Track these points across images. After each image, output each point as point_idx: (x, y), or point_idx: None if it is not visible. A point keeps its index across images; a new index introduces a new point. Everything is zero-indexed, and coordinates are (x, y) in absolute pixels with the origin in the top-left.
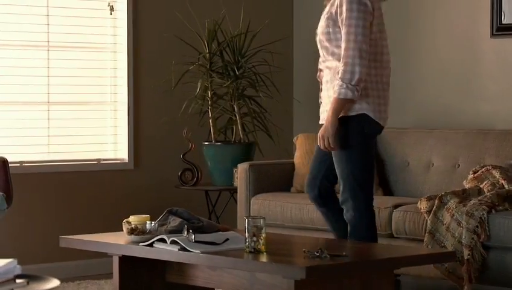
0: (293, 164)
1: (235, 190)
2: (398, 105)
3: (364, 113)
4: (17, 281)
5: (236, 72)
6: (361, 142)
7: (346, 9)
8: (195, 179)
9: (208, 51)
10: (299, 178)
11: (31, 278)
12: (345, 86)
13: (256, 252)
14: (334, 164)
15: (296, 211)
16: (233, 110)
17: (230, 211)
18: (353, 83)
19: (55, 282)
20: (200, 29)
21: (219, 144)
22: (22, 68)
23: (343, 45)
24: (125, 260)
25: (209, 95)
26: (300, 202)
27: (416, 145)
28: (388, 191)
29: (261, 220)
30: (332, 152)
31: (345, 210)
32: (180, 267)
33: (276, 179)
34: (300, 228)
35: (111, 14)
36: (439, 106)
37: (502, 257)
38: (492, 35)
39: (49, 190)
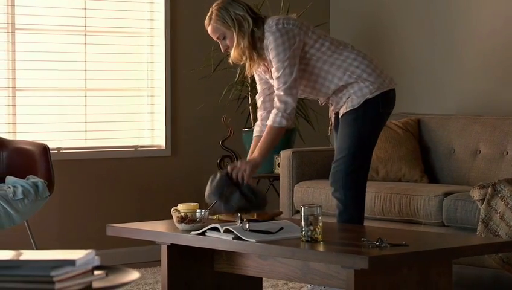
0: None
1: (275, 177)
2: (440, 92)
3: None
4: (96, 272)
5: None
6: None
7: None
8: None
9: None
10: None
11: (109, 269)
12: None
13: (312, 241)
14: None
15: None
16: None
17: (270, 198)
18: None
19: (135, 274)
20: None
21: None
22: (59, 53)
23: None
24: (173, 249)
25: (249, 81)
26: None
27: (462, 132)
28: (433, 179)
29: (318, 208)
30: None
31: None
32: (229, 257)
33: (319, 166)
34: None
35: None
36: (481, 93)
37: None
38: None
39: (87, 177)
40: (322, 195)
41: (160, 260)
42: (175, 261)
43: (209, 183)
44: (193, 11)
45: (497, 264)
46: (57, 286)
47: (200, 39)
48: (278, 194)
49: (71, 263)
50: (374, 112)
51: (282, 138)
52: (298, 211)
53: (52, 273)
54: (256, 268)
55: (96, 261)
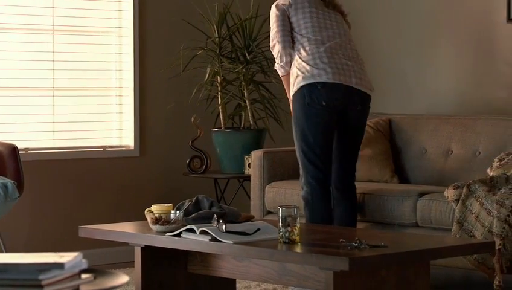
0: None
1: (245, 178)
2: (411, 92)
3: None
4: (83, 276)
5: (247, 57)
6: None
7: None
8: (204, 166)
9: (217, 35)
10: None
11: (97, 272)
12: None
13: (290, 242)
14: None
15: None
16: (243, 96)
17: (239, 199)
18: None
19: (124, 278)
20: (209, 12)
21: (229, 130)
22: (27, 53)
23: None
24: (147, 250)
25: (219, 81)
26: None
27: (434, 132)
28: (404, 179)
29: (295, 209)
30: None
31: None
32: (203, 258)
33: (290, 167)
34: None
35: None
36: (453, 93)
37: None
38: (509, 20)
39: (55, 178)
40: (294, 195)
41: (132, 261)
42: (148, 262)
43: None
44: (162, 10)
45: (473, 264)
46: (46, 289)
47: (169, 38)
48: (248, 195)
49: (60, 266)
50: (299, 104)
51: (252, 138)
52: (270, 212)
53: (41, 276)
54: (231, 270)
55: (84, 265)
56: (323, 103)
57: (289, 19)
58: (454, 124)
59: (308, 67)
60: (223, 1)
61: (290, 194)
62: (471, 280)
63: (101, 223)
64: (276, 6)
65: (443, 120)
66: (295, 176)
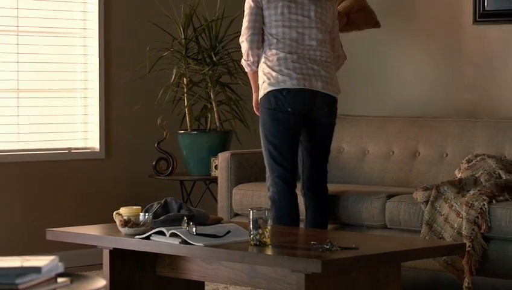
0: None
1: (211, 180)
2: (378, 94)
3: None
4: (59, 280)
5: (213, 58)
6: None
7: None
8: (170, 168)
9: (183, 37)
10: None
11: (73, 276)
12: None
13: (261, 245)
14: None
15: None
16: (209, 97)
17: (206, 201)
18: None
19: (100, 281)
20: (175, 14)
21: (195, 132)
22: None
23: None
24: (115, 253)
25: (185, 82)
26: None
27: (401, 134)
28: (372, 181)
29: (266, 211)
30: None
31: None
32: (172, 261)
33: (258, 169)
34: None
35: None
36: (420, 94)
37: (503, 248)
38: (475, 22)
39: (20, 180)
40: (261, 197)
41: (99, 264)
42: (117, 265)
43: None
44: (127, 11)
45: (442, 266)
46: None
47: (135, 40)
48: (214, 198)
49: (36, 270)
50: (265, 108)
51: (218, 140)
52: (237, 214)
53: (17, 281)
54: (201, 272)
55: (60, 268)
56: (289, 109)
57: (262, 11)
58: (421, 125)
59: (273, 74)
60: (189, 2)
61: (258, 196)
62: (439, 281)
63: (67, 225)
64: None
65: (410, 122)
66: (262, 178)
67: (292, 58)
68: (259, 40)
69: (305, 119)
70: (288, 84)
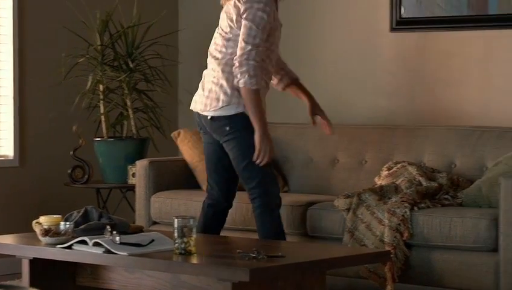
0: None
1: (128, 188)
2: (296, 101)
3: None
4: None
5: (130, 65)
6: None
7: None
8: (86, 176)
9: (99, 43)
10: (203, 174)
11: (5, 288)
12: None
13: (186, 253)
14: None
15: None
16: (126, 104)
17: (123, 210)
18: None
19: None
20: (91, 20)
21: (111, 139)
22: None
23: None
24: (34, 263)
25: (101, 89)
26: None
27: (319, 141)
28: (291, 188)
29: (191, 220)
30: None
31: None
32: (93, 270)
33: (176, 176)
34: None
35: None
36: (337, 102)
37: (425, 255)
38: (392, 29)
39: None
40: (180, 205)
41: (16, 273)
42: (37, 274)
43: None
44: (42, 17)
45: (364, 274)
46: None
47: (50, 46)
48: (131, 206)
49: None
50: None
51: (135, 147)
52: (155, 222)
53: None
54: (123, 282)
55: None
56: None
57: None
58: (340, 133)
59: None
60: (105, 8)
61: (177, 204)
62: (361, 288)
63: None
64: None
65: None
66: (181, 186)
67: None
68: None
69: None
70: (193, 107)
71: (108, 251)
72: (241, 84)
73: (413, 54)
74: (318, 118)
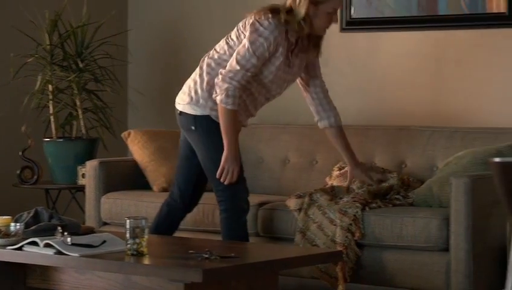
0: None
1: (78, 188)
2: None
3: None
4: None
5: (80, 65)
6: None
7: None
8: (35, 177)
9: (48, 43)
10: (153, 174)
11: None
12: None
13: (138, 254)
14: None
15: (152, 210)
16: (75, 105)
17: (72, 211)
18: None
19: None
20: (40, 19)
21: (60, 140)
22: None
23: None
24: None
25: (50, 89)
26: (156, 200)
27: (270, 141)
28: None
29: (143, 220)
30: None
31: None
32: (43, 271)
33: (126, 177)
34: None
35: None
36: (288, 102)
37: (377, 255)
38: (342, 29)
39: None
40: (130, 206)
41: None
42: None
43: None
44: None
45: (316, 274)
46: None
47: None
48: (80, 207)
49: None
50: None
51: (85, 148)
52: (105, 223)
53: None
54: (73, 283)
55: None
56: None
57: None
58: (291, 133)
59: None
60: (55, 8)
61: (127, 205)
62: (311, 288)
63: None
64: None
65: (279, 129)
66: (131, 186)
67: None
68: None
69: None
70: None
71: (59, 252)
72: (217, 100)
73: (363, 54)
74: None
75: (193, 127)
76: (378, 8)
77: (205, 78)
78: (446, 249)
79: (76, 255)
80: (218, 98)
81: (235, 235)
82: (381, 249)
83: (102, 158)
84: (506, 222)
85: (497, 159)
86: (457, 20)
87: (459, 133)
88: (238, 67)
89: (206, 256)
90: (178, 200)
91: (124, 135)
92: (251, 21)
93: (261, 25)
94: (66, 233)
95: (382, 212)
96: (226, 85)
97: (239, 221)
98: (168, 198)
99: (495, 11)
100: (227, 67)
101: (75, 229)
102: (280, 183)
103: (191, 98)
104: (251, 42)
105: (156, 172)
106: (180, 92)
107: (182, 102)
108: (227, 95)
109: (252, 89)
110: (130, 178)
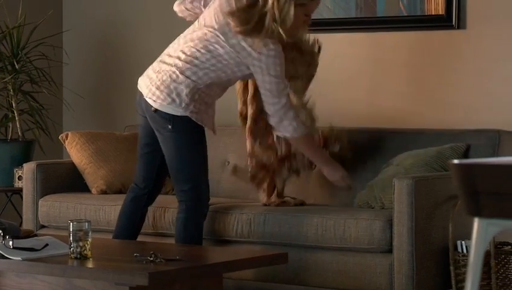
0: (72, 164)
1: (14, 191)
2: None
3: None
4: None
5: (15, 66)
6: None
7: None
8: None
9: None
10: (92, 177)
11: None
12: None
13: (82, 257)
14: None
15: (92, 213)
16: (11, 106)
17: (8, 214)
18: None
19: None
20: None
21: None
22: None
23: None
24: None
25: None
26: (96, 203)
27: (210, 143)
28: None
29: (87, 223)
30: None
31: None
32: None
33: (64, 179)
34: (95, 230)
35: None
36: (228, 103)
37: (320, 257)
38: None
39: None
40: (69, 209)
41: None
42: None
43: None
44: None
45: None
46: None
47: None
48: (16, 209)
49: None
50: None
51: (21, 150)
52: (43, 226)
53: None
54: (13, 287)
55: None
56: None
57: None
58: (230, 135)
59: None
60: None
61: (66, 207)
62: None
63: None
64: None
65: (220, 131)
66: (69, 189)
67: None
68: None
69: None
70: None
71: (1, 256)
72: (291, 137)
73: (326, 56)
74: None
75: (169, 126)
76: (317, 10)
77: (190, 85)
78: (389, 251)
79: (18, 258)
80: (290, 135)
81: (190, 236)
82: (324, 251)
83: (38, 160)
84: (449, 223)
85: (456, 161)
86: (395, 21)
87: (398, 135)
88: (283, 100)
89: (151, 259)
90: (141, 185)
91: (61, 136)
92: (260, 56)
93: (269, 55)
94: (7, 237)
95: (325, 214)
96: (286, 121)
97: (197, 228)
98: (130, 186)
99: (433, 13)
100: (271, 109)
101: (15, 233)
102: (219, 185)
103: (172, 99)
104: (275, 75)
105: (95, 174)
106: (151, 86)
107: (159, 100)
108: (294, 128)
109: (211, 93)
110: (68, 181)
